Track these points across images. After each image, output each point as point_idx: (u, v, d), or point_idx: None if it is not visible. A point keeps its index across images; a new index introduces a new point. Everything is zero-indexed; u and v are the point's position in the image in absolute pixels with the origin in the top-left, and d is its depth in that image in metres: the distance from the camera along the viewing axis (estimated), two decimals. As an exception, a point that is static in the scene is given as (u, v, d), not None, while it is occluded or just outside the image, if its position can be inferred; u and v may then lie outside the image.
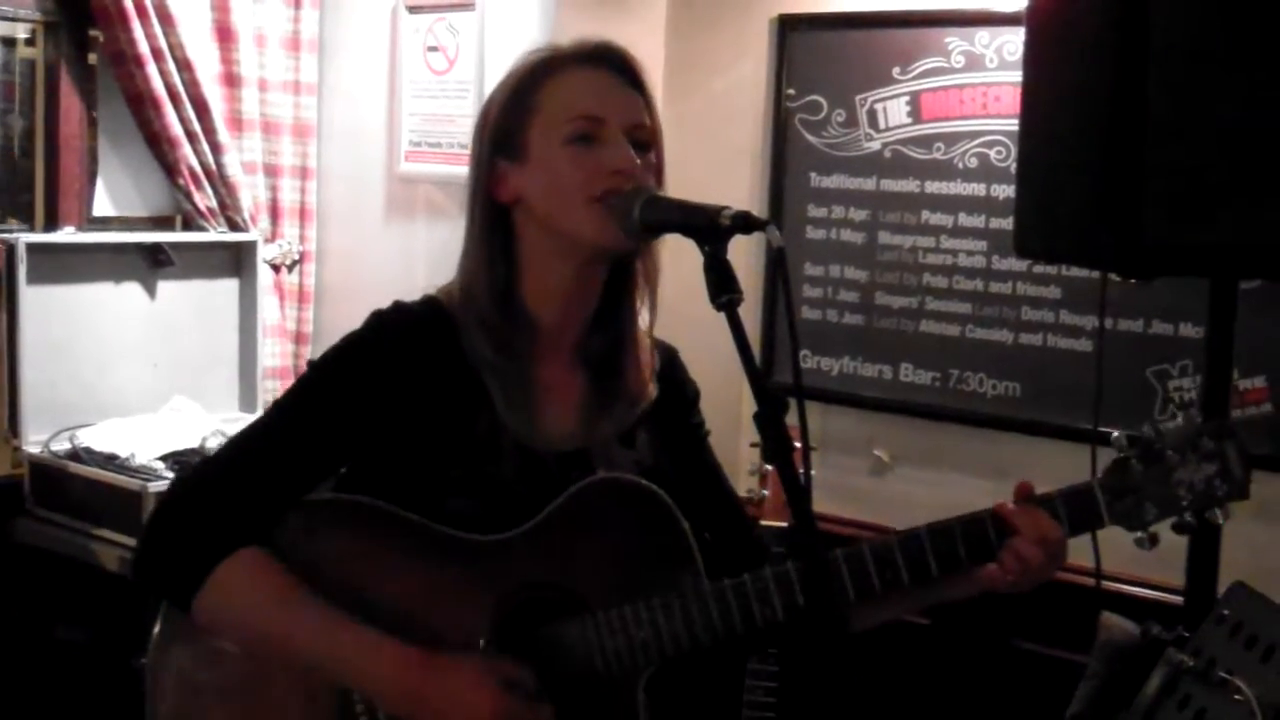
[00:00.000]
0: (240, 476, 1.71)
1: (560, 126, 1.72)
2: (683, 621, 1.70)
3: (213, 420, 3.56)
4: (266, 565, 1.68)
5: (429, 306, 1.78)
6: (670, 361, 1.93)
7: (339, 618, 1.65)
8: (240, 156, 3.84)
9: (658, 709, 1.75)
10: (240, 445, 1.76)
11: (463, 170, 1.83)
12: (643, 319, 1.84)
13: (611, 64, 1.78)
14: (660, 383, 1.87)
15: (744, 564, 1.82)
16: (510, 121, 1.75)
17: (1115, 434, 1.72)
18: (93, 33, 3.74)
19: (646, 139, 1.76)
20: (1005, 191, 3.16)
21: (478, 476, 1.72)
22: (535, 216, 1.74)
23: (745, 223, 1.54)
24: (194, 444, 3.41)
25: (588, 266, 1.77)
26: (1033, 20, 2.20)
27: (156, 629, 1.77)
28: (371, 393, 1.71)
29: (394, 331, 1.75)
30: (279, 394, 3.89)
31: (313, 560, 1.70)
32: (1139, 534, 1.70)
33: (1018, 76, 2.41)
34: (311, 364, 1.82)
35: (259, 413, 3.78)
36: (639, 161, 1.72)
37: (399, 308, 1.78)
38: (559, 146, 1.72)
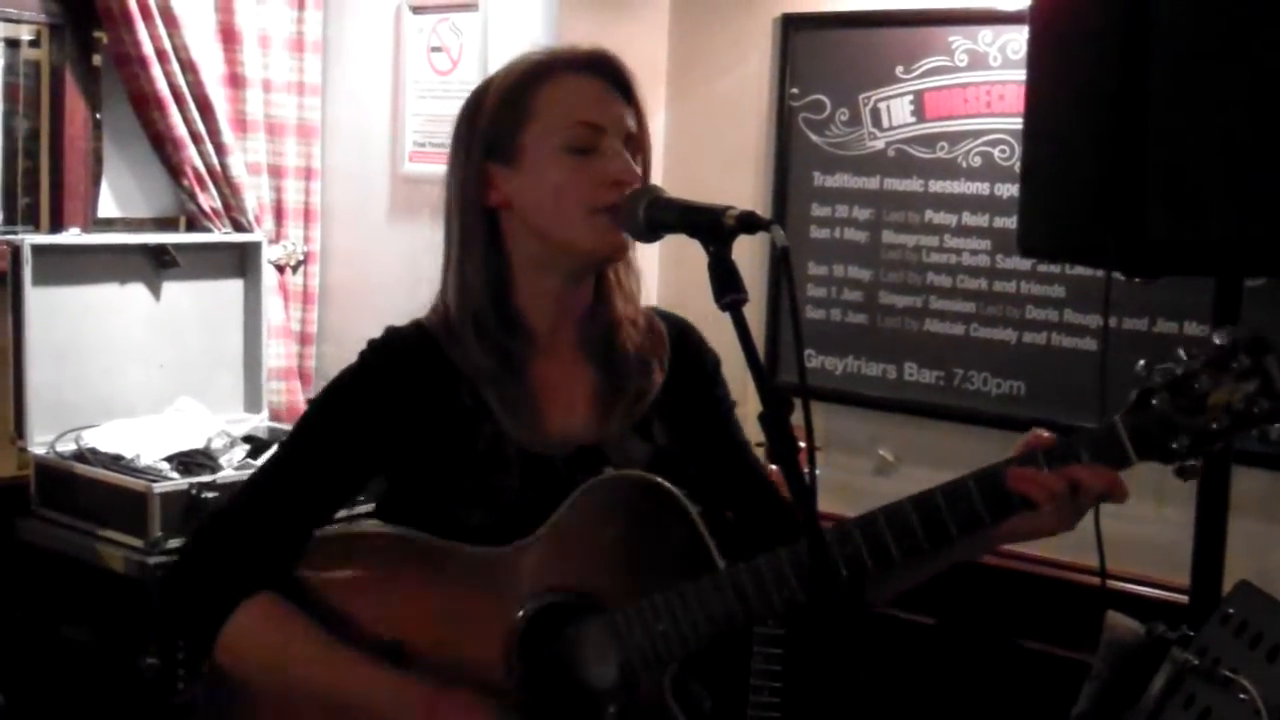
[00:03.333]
0: (252, 521, 1.74)
1: (558, 133, 1.71)
2: (701, 610, 1.68)
3: (217, 421, 3.57)
4: (282, 608, 1.71)
5: (417, 330, 1.79)
6: (683, 334, 1.90)
7: (357, 658, 1.68)
8: (244, 157, 3.85)
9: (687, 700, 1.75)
10: (251, 490, 1.79)
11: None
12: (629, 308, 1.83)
13: (605, 72, 1.76)
14: (674, 357, 1.85)
15: (776, 536, 1.77)
16: (503, 125, 1.74)
17: (1140, 364, 1.61)
18: (97, 34, 3.74)
19: (635, 149, 1.75)
20: (1009, 190, 3.15)
21: (486, 489, 1.73)
22: (527, 223, 1.74)
23: (750, 223, 1.53)
24: (199, 445, 3.42)
25: (579, 272, 1.78)
26: (1036, 19, 2.20)
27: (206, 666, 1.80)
28: (373, 422, 1.73)
29: (388, 359, 1.76)
30: (283, 395, 3.91)
31: (328, 595, 1.73)
32: (1176, 465, 1.58)
33: (1021, 75, 2.41)
34: (311, 402, 1.85)
35: (263, 413, 3.80)
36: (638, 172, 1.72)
37: (390, 334, 1.79)
38: (557, 153, 1.71)
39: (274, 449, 1.84)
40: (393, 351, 1.77)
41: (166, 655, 2.99)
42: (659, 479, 1.73)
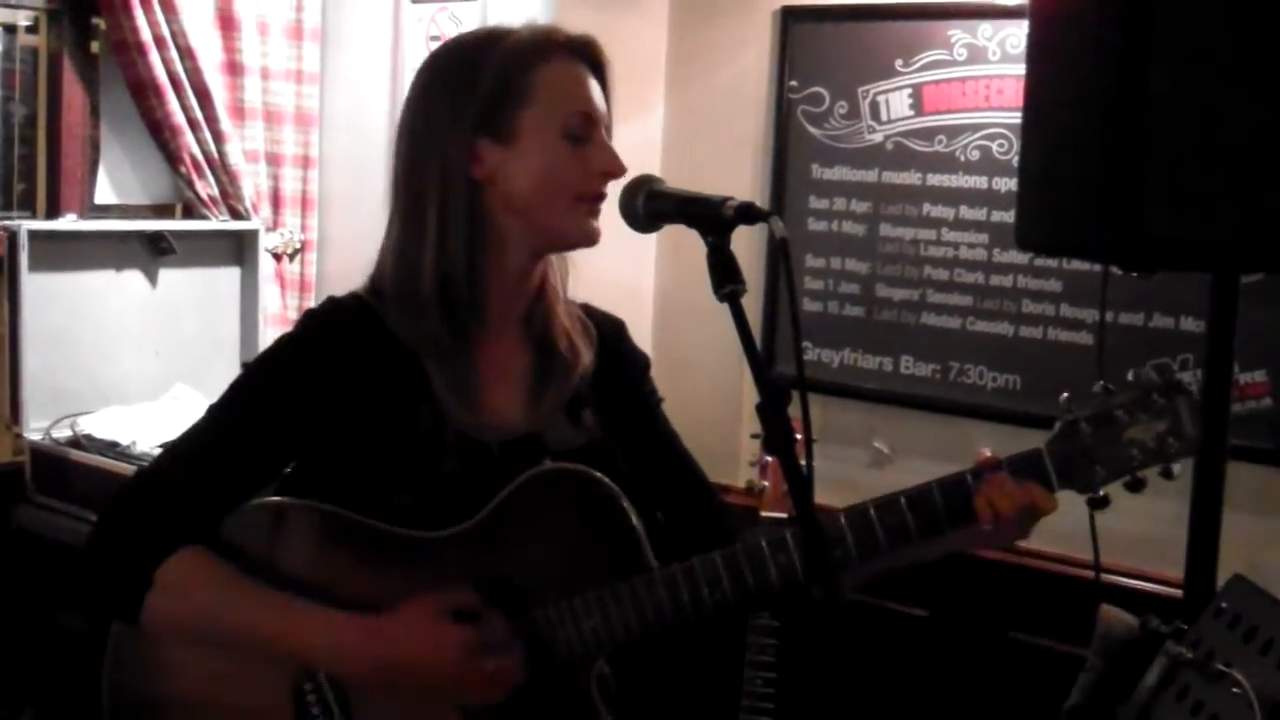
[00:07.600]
0: (175, 484, 1.70)
1: (557, 120, 1.73)
2: (632, 607, 1.71)
3: (214, 408, 3.57)
4: (208, 559, 1.68)
5: (359, 301, 1.78)
6: (617, 333, 1.94)
7: (290, 599, 1.66)
8: (242, 145, 3.84)
9: (626, 685, 1.77)
10: (175, 452, 1.76)
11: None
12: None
13: (592, 61, 1.80)
14: (607, 356, 1.89)
15: (707, 529, 1.85)
16: (500, 102, 1.73)
17: (1063, 396, 1.73)
18: (95, 20, 3.74)
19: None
20: (1007, 184, 3.16)
21: (421, 472, 1.72)
22: (510, 202, 1.74)
23: (749, 214, 1.54)
24: (195, 432, 3.41)
25: (542, 254, 1.80)
26: (1035, 13, 2.20)
27: (110, 638, 1.77)
28: (308, 390, 1.71)
29: (328, 328, 1.75)
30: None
31: (260, 567, 1.70)
32: (1089, 495, 1.70)
33: (1020, 69, 2.40)
34: (246, 365, 1.83)
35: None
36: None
37: (332, 303, 1.78)
38: (553, 139, 1.73)
39: (203, 413, 1.77)
40: (335, 322, 1.76)
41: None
42: (599, 475, 1.74)
